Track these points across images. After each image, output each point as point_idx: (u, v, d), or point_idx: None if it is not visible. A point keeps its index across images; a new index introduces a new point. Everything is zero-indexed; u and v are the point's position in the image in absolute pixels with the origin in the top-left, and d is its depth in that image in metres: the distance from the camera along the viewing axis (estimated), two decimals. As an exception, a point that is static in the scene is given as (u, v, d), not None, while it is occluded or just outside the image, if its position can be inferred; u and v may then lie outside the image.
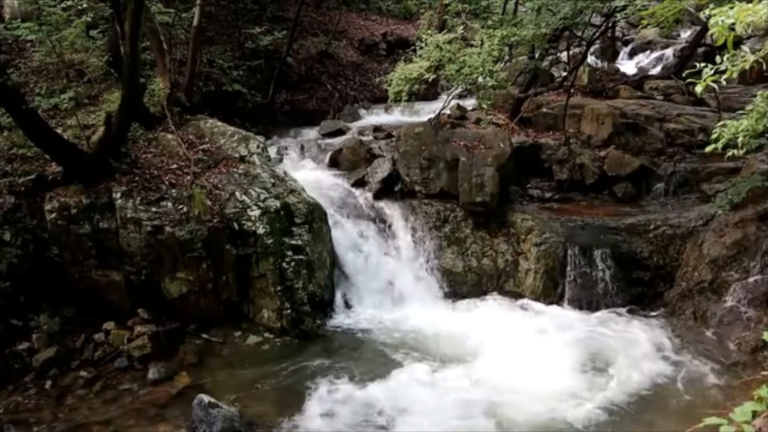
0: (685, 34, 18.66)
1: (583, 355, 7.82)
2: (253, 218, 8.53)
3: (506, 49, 12.29)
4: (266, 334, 8.37)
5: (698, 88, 3.77)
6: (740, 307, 8.02)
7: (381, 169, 10.83)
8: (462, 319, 8.91)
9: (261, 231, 8.47)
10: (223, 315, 8.54)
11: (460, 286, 9.71)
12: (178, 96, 10.70)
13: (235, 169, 9.34)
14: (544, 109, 12.61)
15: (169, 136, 9.55)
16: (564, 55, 14.23)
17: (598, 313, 9.05)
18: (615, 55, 18.49)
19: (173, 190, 8.53)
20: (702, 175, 10.57)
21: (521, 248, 9.73)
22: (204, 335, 8.26)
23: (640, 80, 14.87)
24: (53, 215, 8.08)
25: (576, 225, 9.83)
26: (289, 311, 8.39)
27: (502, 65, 10.85)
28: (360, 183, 10.96)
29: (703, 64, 3.75)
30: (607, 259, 9.30)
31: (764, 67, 3.76)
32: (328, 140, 12.85)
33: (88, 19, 9.74)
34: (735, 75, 3.82)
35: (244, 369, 7.69)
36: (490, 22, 11.54)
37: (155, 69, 10.83)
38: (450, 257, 9.85)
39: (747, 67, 3.82)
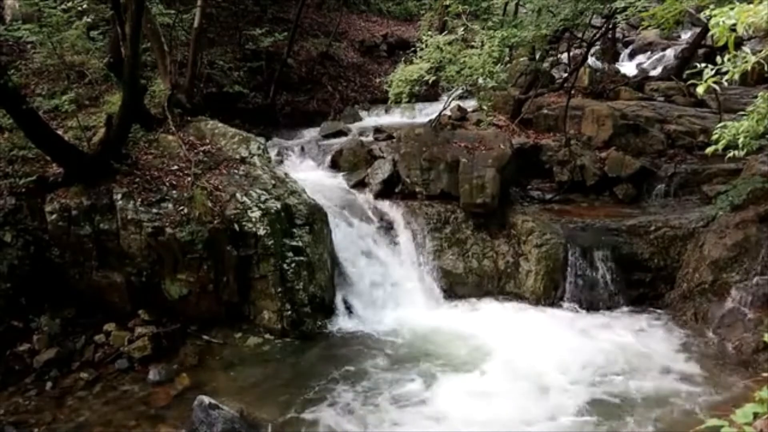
0: (686, 36, 18.67)
1: (584, 356, 7.81)
2: (253, 219, 8.53)
3: (507, 50, 12.27)
4: (267, 336, 8.37)
5: (699, 90, 3.77)
6: (741, 308, 8.02)
7: (381, 171, 10.84)
8: (462, 321, 8.90)
9: (262, 232, 8.46)
10: (223, 316, 8.54)
11: (460, 288, 9.71)
12: (178, 97, 10.71)
13: (236, 171, 9.34)
14: (545, 111, 12.62)
15: (170, 137, 9.55)
16: (564, 57, 14.25)
17: (599, 315, 9.06)
18: (615, 57, 18.49)
19: (174, 192, 8.53)
20: (703, 177, 10.57)
21: (522, 249, 9.72)
22: (204, 336, 8.26)
23: (640, 81, 14.87)
24: (54, 216, 8.09)
25: (577, 226, 9.82)
26: (289, 312, 8.38)
27: (502, 66, 10.82)
28: (360, 184, 10.97)
29: (703, 65, 3.75)
30: (608, 261, 9.30)
31: (765, 68, 3.76)
32: (329, 141, 12.87)
33: (89, 20, 9.77)
34: (736, 76, 3.82)
35: (245, 370, 7.69)
36: (490, 24, 11.52)
37: (156, 70, 10.84)
38: (450, 258, 9.84)
39: (748, 68, 3.81)
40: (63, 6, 9.23)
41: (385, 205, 10.46)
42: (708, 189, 10.20)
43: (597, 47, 16.24)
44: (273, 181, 9.38)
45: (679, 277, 9.14)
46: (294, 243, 8.77)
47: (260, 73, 15.07)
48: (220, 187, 8.86)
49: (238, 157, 9.66)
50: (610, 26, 14.58)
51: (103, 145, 8.59)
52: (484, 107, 10.93)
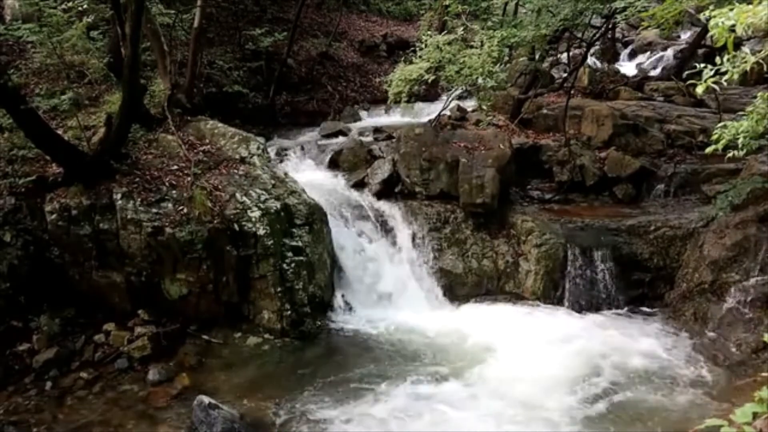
0: (685, 36, 18.66)
1: (584, 356, 7.81)
2: (253, 219, 8.53)
3: (506, 50, 12.29)
4: (266, 336, 8.37)
5: (699, 90, 3.78)
6: (741, 308, 8.02)
7: (381, 171, 10.84)
8: (461, 322, 8.90)
9: (261, 232, 8.46)
10: (223, 316, 8.54)
11: (460, 288, 9.71)
12: (178, 97, 10.71)
13: (236, 171, 9.34)
14: (545, 111, 12.62)
15: (170, 137, 9.55)
16: (564, 57, 14.26)
17: (599, 315, 9.05)
18: (615, 57, 18.49)
19: (174, 192, 8.53)
20: (702, 177, 10.57)
21: (521, 249, 9.72)
22: (204, 336, 8.26)
23: (640, 81, 14.88)
24: (54, 216, 8.09)
25: (576, 226, 9.82)
26: (289, 312, 8.38)
27: (502, 66, 10.84)
28: (360, 184, 10.97)
29: (703, 66, 3.76)
30: (608, 261, 9.30)
31: (765, 68, 3.76)
32: (329, 141, 12.87)
33: (89, 20, 9.76)
34: (735, 76, 3.83)
35: (245, 370, 7.69)
36: (490, 24, 11.54)
37: (156, 70, 10.84)
38: (450, 258, 9.84)
39: (747, 68, 3.82)
40: (63, 6, 9.23)
41: (384, 205, 10.46)
42: (707, 189, 10.20)
43: (597, 47, 16.25)
44: (273, 181, 9.38)
45: (679, 277, 9.14)
46: (294, 243, 8.78)
47: (260, 73, 15.08)
48: (219, 187, 8.87)
49: (237, 157, 9.67)
50: (610, 26, 14.59)
51: (103, 145, 8.59)
52: (484, 107, 10.94)
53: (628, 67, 17.28)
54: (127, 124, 8.67)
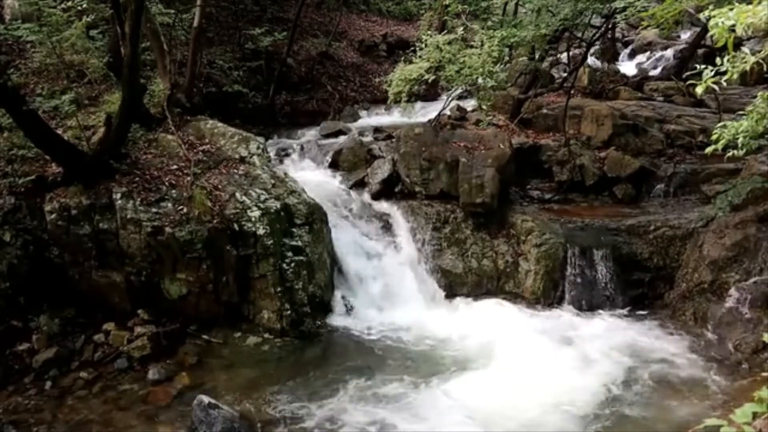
0: (685, 36, 18.67)
1: (583, 357, 7.82)
2: (253, 219, 8.53)
3: (506, 50, 12.30)
4: (266, 335, 8.36)
5: (698, 90, 3.78)
6: (740, 308, 8.01)
7: (381, 170, 10.84)
8: (462, 322, 8.89)
9: (261, 232, 8.46)
10: (223, 316, 8.54)
11: (459, 287, 9.70)
12: (178, 97, 10.71)
13: (236, 170, 9.34)
14: (544, 110, 12.63)
15: (170, 136, 9.55)
16: (564, 56, 14.26)
17: (598, 315, 9.05)
18: (615, 56, 18.49)
19: (173, 191, 8.53)
20: (702, 177, 10.57)
21: (521, 249, 9.72)
22: (204, 336, 8.26)
23: (640, 81, 14.89)
24: (53, 216, 8.09)
25: (576, 226, 9.82)
26: (289, 312, 8.38)
27: (502, 66, 10.84)
28: (360, 184, 10.98)
29: (703, 66, 3.76)
30: (608, 261, 9.29)
31: (765, 68, 3.77)
32: (328, 141, 12.87)
33: (89, 20, 9.76)
34: (735, 76, 3.83)
35: (244, 370, 7.69)
36: (489, 23, 11.54)
37: (155, 70, 10.84)
38: (450, 258, 9.84)
39: (747, 68, 3.82)
40: (62, 5, 9.22)
41: (384, 205, 10.47)
42: (707, 189, 10.20)
43: (596, 47, 16.24)
44: (272, 181, 9.38)
45: (679, 277, 9.14)
46: (293, 242, 8.78)
47: (260, 72, 15.08)
48: (219, 186, 8.87)
49: (237, 156, 9.67)
50: (610, 26, 14.60)
51: (103, 145, 8.58)
52: (484, 107, 10.94)
53: (628, 67, 17.29)
54: (127, 123, 8.67)
